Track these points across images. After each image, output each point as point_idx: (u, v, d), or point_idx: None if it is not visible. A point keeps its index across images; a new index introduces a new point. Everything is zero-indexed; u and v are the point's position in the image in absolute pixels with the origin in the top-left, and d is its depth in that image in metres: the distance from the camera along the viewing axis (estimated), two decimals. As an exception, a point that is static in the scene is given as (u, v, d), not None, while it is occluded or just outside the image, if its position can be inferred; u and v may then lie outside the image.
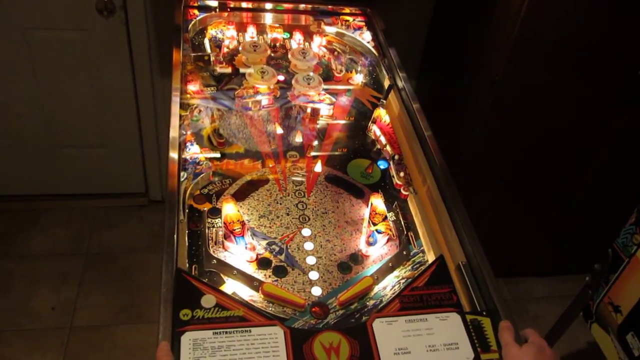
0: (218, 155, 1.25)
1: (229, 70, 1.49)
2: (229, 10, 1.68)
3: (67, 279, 2.27)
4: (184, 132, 1.27)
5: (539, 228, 2.30)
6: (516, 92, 1.79)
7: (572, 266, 2.40)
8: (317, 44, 1.63)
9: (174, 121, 1.24)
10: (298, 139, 1.35)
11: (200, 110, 1.36)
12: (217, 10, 1.67)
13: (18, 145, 2.34)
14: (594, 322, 1.69)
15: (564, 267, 2.47)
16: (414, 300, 0.98)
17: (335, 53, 1.63)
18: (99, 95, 2.23)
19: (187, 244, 1.06)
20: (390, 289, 1.04)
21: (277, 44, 1.61)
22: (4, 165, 2.39)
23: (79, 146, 2.39)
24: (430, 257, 1.12)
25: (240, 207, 1.14)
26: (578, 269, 2.29)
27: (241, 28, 1.64)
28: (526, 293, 2.49)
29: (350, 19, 1.74)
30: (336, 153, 1.33)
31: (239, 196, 1.17)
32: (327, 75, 1.54)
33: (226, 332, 0.89)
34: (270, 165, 1.26)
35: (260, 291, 0.99)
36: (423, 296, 0.99)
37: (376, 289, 1.04)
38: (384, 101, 1.46)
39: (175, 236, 1.00)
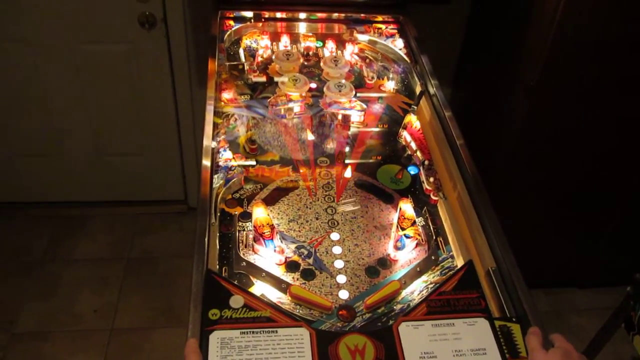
0: (252, 162, 1.28)
1: (263, 79, 1.53)
2: (263, 20, 1.72)
3: (109, 282, 2.34)
4: (219, 139, 1.30)
5: (580, 237, 2.24)
6: (552, 97, 1.76)
7: (616, 277, 2.32)
8: (350, 52, 1.65)
9: (208, 129, 1.27)
10: (329, 145, 1.36)
11: (236, 119, 1.40)
12: (252, 20, 1.71)
13: (65, 154, 2.44)
14: (636, 334, 1.63)
15: (608, 277, 2.39)
16: (441, 305, 0.98)
17: (367, 60, 1.65)
18: (141, 105, 2.31)
19: (218, 246, 1.09)
20: (418, 294, 1.04)
21: (310, 53, 1.64)
22: (52, 173, 2.50)
23: (121, 154, 2.47)
24: (460, 263, 1.11)
25: (271, 211, 1.16)
26: (623, 280, 2.22)
27: (275, 37, 1.68)
28: (568, 304, 2.42)
29: (383, 26, 1.75)
30: (368, 161, 1.34)
31: (270, 201, 1.20)
32: (359, 83, 1.55)
33: (253, 332, 0.91)
34: (301, 171, 1.28)
35: (287, 293, 1.01)
36: (450, 301, 0.99)
37: (404, 293, 1.04)
38: (415, 107, 1.46)
39: (206, 239, 1.03)
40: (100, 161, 2.48)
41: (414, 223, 1.12)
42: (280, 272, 1.06)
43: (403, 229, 1.10)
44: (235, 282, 1.00)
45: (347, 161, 1.33)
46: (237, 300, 0.95)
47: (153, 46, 2.14)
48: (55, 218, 2.58)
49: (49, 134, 2.36)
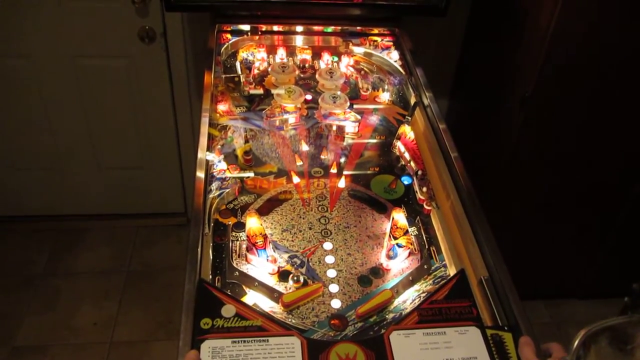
0: (250, 174, 1.29)
1: (260, 91, 1.55)
2: (260, 33, 1.74)
3: (109, 295, 2.35)
4: (215, 150, 1.32)
5: (579, 249, 2.24)
6: (547, 107, 1.77)
7: (616, 287, 2.31)
8: (345, 64, 1.66)
9: (202, 141, 1.29)
10: (324, 156, 1.37)
11: (234, 131, 1.41)
12: (249, 34, 1.73)
13: (66, 168, 2.46)
14: (635, 344, 1.62)
15: (608, 288, 2.38)
16: (432, 314, 0.98)
17: (363, 72, 1.66)
18: (141, 118, 2.33)
19: (211, 256, 1.09)
20: (410, 303, 1.04)
21: (306, 65, 1.66)
22: (53, 187, 2.52)
23: (121, 167, 2.49)
24: (452, 272, 1.11)
25: (264, 221, 1.17)
26: (623, 291, 2.20)
27: (272, 50, 1.70)
28: (568, 316, 2.41)
29: (379, 39, 1.77)
30: (361, 172, 1.34)
31: (264, 211, 1.21)
32: (355, 94, 1.57)
33: (244, 341, 0.91)
34: (295, 182, 1.29)
35: (280, 302, 1.01)
36: (442, 309, 0.99)
37: (396, 302, 1.04)
38: (409, 118, 1.47)
39: (199, 248, 1.04)
40: (101, 174, 2.50)
41: (406, 232, 1.13)
42: (273, 282, 1.06)
43: (395, 238, 1.11)
44: (228, 292, 1.01)
45: (337, 170, 1.33)
46: (228, 310, 0.96)
47: (153, 60, 2.16)
48: (56, 231, 2.59)
49: (49, 147, 2.38)
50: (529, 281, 1.86)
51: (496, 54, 1.99)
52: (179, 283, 2.53)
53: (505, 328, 0.97)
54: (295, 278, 1.05)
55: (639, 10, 1.58)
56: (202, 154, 1.25)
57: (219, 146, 1.34)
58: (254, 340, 0.91)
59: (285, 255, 1.11)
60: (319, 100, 1.47)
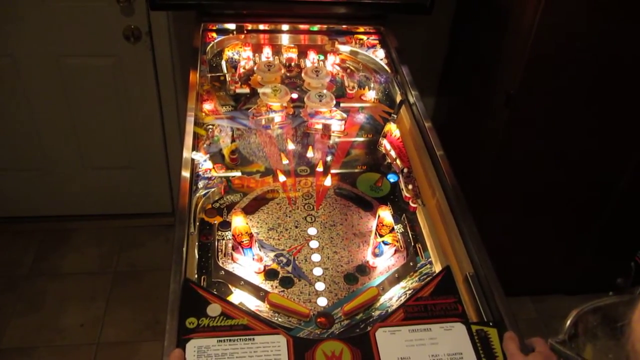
0: (237, 173, 1.29)
1: (247, 90, 1.54)
2: (245, 32, 1.73)
3: (95, 296, 2.33)
4: (202, 150, 1.31)
5: (567, 245, 2.25)
6: (531, 105, 1.78)
7: (604, 283, 2.34)
8: (331, 63, 1.66)
9: (188, 140, 1.28)
10: (310, 154, 1.38)
11: (220, 130, 1.41)
12: (235, 32, 1.73)
13: (51, 168, 2.44)
14: (620, 339, 1.64)
15: (594, 283, 2.40)
16: (418, 310, 0.99)
17: (349, 71, 1.67)
18: (127, 118, 2.31)
19: (197, 255, 1.09)
20: (396, 300, 1.05)
21: (292, 64, 1.65)
22: (38, 187, 2.49)
23: (108, 167, 2.47)
24: (438, 268, 1.12)
25: (250, 220, 1.17)
26: (609, 285, 2.23)
27: (257, 49, 1.69)
28: (555, 311, 2.43)
29: (365, 37, 1.77)
30: (347, 170, 1.35)
31: (250, 210, 1.21)
32: (341, 93, 1.57)
33: (230, 340, 0.91)
34: (281, 180, 1.29)
35: (266, 301, 1.01)
36: (428, 306, 1.00)
37: (382, 299, 1.05)
38: (395, 116, 1.48)
39: (184, 248, 1.04)
40: (87, 174, 2.47)
41: (392, 230, 1.13)
42: (259, 281, 1.06)
43: (381, 236, 1.11)
44: (213, 291, 1.01)
45: (323, 168, 1.33)
46: (214, 309, 0.96)
47: (138, 59, 2.15)
48: (41, 232, 2.57)
49: (34, 147, 2.36)
50: (515, 277, 1.88)
51: (481, 52, 2.01)
52: (166, 283, 2.50)
53: (490, 324, 0.98)
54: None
55: (622, 6, 1.59)
56: (188, 154, 1.25)
57: (205, 145, 1.34)
58: (240, 339, 0.91)
59: (272, 254, 1.11)
60: (305, 98, 1.47)
